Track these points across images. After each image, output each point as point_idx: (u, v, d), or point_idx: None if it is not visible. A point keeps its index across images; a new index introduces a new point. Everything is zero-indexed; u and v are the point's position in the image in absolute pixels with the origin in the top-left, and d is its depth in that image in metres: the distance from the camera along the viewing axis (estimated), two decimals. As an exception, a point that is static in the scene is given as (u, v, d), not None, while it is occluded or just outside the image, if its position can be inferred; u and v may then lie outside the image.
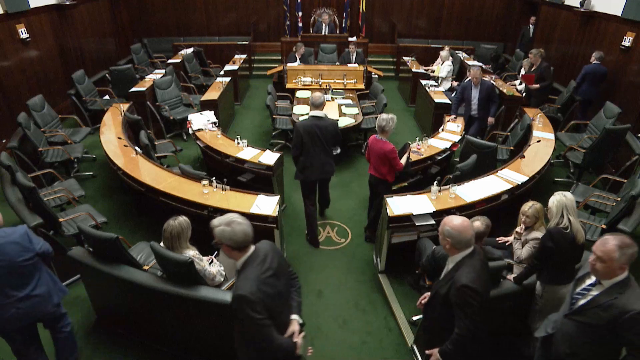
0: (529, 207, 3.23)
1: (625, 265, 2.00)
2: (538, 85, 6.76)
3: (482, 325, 2.19)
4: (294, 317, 2.27)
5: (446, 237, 2.24)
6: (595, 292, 2.10)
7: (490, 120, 6.05)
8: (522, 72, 7.37)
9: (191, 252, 2.96)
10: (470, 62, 8.55)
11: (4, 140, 5.78)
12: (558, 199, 2.74)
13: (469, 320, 2.17)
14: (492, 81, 6.96)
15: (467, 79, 7.29)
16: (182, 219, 2.91)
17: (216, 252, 3.46)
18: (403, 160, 4.17)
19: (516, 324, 3.26)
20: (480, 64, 8.84)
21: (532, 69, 6.95)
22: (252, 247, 2.15)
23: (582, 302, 2.14)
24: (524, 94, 7.00)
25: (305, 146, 4.19)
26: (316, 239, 4.61)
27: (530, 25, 9.42)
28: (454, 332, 2.23)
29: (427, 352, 2.44)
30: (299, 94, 7.38)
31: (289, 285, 2.31)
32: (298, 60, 8.60)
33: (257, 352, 2.14)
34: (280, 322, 2.14)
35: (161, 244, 2.98)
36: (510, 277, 2.99)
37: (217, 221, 2.13)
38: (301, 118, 6.18)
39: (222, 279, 3.17)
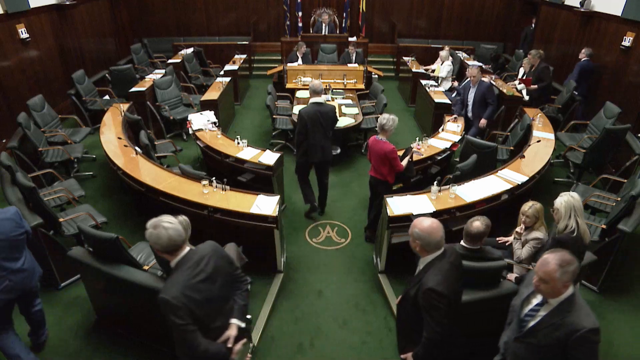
0: (529, 207, 3.23)
1: (569, 282, 1.95)
2: (536, 86, 6.74)
3: (452, 328, 2.16)
4: (234, 321, 2.21)
5: (415, 239, 2.22)
6: (544, 312, 2.05)
7: (482, 122, 5.89)
8: (521, 71, 7.37)
9: None
10: (470, 62, 8.55)
11: (4, 140, 5.78)
12: (566, 200, 2.70)
13: (435, 323, 2.14)
14: (491, 81, 6.97)
15: (468, 79, 7.28)
16: (182, 218, 2.91)
17: None
18: (404, 162, 4.16)
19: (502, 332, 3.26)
20: (480, 64, 8.86)
21: (532, 70, 6.95)
22: (186, 250, 2.12)
23: (532, 323, 2.08)
24: (527, 97, 6.96)
25: (308, 131, 4.47)
26: (323, 205, 5.05)
27: (533, 26, 9.41)
28: (423, 336, 2.20)
29: (401, 356, 2.41)
30: (299, 94, 7.38)
31: (229, 289, 2.25)
32: (300, 59, 8.59)
33: (186, 355, 2.10)
34: (213, 327, 2.11)
35: None
36: (512, 276, 2.97)
37: (148, 223, 2.11)
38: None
39: None
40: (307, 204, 4.96)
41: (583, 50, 6.87)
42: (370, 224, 4.63)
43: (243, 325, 2.24)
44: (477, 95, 5.81)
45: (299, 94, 7.38)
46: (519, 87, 7.32)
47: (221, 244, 3.53)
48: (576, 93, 6.69)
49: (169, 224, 2.08)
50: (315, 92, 4.54)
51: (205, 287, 2.07)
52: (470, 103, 5.91)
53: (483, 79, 5.99)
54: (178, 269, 2.09)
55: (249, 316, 2.91)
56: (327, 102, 4.59)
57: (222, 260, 2.20)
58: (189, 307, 1.97)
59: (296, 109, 6.58)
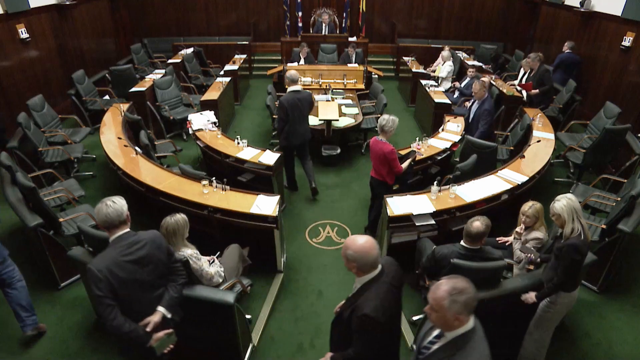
0: (529, 207, 3.23)
1: (462, 315, 1.71)
2: (538, 91, 6.62)
3: (379, 352, 2.07)
4: (160, 309, 2.31)
5: (350, 261, 2.06)
6: (437, 346, 1.85)
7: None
8: (521, 72, 7.37)
9: (188, 251, 2.95)
10: (470, 62, 8.56)
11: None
12: (566, 203, 2.60)
13: (365, 347, 2.06)
14: (492, 81, 6.96)
15: (468, 78, 7.25)
16: (180, 216, 2.91)
17: (218, 253, 3.47)
18: (405, 165, 4.15)
19: (504, 330, 3.23)
20: (480, 63, 8.86)
21: (531, 74, 6.82)
22: (124, 231, 2.28)
23: (426, 355, 1.90)
24: (526, 102, 6.83)
25: (289, 117, 4.87)
26: (312, 182, 5.22)
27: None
28: (347, 353, 2.13)
29: None
30: (299, 94, 7.37)
31: (161, 278, 2.35)
32: (302, 59, 8.59)
33: (104, 327, 2.20)
34: (138, 310, 2.23)
35: None
36: (531, 295, 2.82)
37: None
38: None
39: (221, 280, 3.17)
40: (287, 186, 5.40)
41: (566, 44, 7.34)
42: (370, 225, 4.62)
43: (169, 315, 2.34)
44: (476, 113, 5.43)
45: (299, 94, 7.38)
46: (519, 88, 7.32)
47: (222, 243, 3.58)
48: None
49: (112, 203, 2.28)
50: (292, 81, 4.95)
51: (132, 268, 2.19)
52: (471, 118, 5.60)
53: (488, 95, 5.45)
54: (111, 245, 2.24)
55: (248, 316, 2.91)
56: (305, 89, 5.18)
57: (158, 250, 2.31)
58: (110, 281, 2.11)
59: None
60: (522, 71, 7.47)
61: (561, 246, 2.63)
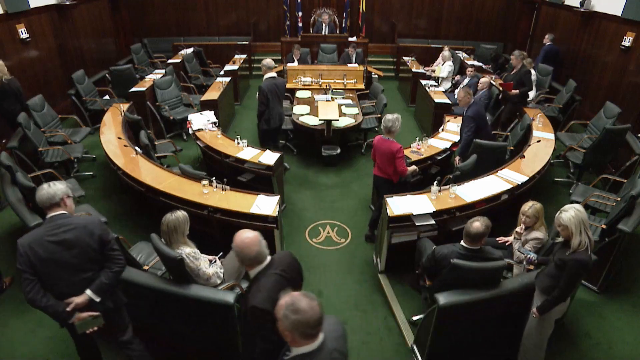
0: (529, 207, 3.23)
1: (291, 334, 1.64)
2: (518, 91, 6.32)
3: (280, 343, 1.98)
4: (87, 291, 2.40)
5: (236, 255, 2.13)
6: (286, 359, 1.80)
7: (456, 159, 4.96)
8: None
9: (187, 250, 2.94)
10: (470, 62, 8.55)
11: (3, 141, 5.78)
12: (574, 215, 2.48)
13: (263, 340, 2.08)
14: (492, 81, 6.95)
15: (467, 77, 7.21)
16: (180, 213, 2.92)
17: (221, 254, 3.46)
18: (411, 169, 4.19)
19: (504, 330, 3.25)
20: (480, 64, 8.86)
21: (512, 72, 6.60)
22: (56, 213, 2.40)
23: None
24: (501, 104, 6.74)
25: (269, 102, 5.27)
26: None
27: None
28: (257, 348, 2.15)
29: None
30: (299, 94, 7.38)
31: (90, 262, 2.42)
32: (296, 61, 8.61)
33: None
34: (61, 289, 2.36)
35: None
36: (534, 310, 2.81)
37: None
38: (301, 118, 6.21)
39: (219, 282, 3.16)
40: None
41: (547, 36, 7.88)
42: (371, 224, 4.62)
43: (97, 299, 2.42)
44: (463, 120, 5.08)
45: (299, 94, 7.38)
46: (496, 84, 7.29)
47: (222, 243, 3.57)
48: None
49: (48, 187, 2.42)
50: (269, 68, 5.38)
51: (53, 248, 2.30)
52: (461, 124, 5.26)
53: (475, 99, 5.08)
54: (43, 225, 2.41)
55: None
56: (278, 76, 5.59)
57: (88, 237, 2.38)
58: (29, 258, 2.26)
59: (296, 109, 6.59)
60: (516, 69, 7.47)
61: (567, 260, 2.54)
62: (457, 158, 4.95)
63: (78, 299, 2.38)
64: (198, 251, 3.05)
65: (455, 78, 8.04)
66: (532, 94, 7.34)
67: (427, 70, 8.55)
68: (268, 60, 5.44)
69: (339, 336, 1.81)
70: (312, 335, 1.66)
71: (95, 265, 2.45)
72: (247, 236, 2.13)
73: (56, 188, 2.42)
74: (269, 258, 2.18)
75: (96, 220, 2.50)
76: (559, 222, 2.56)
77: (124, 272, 2.60)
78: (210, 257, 3.24)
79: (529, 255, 3.03)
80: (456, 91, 7.04)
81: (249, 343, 2.20)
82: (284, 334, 1.68)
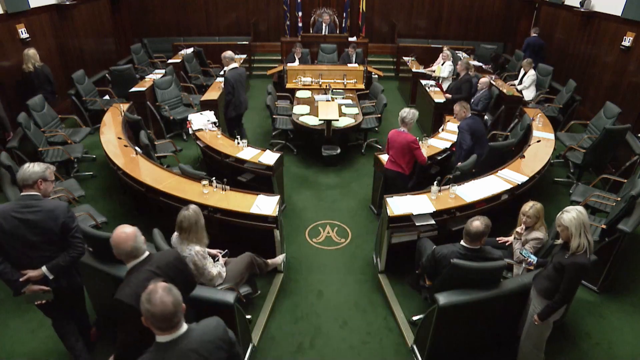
0: (530, 207, 3.22)
1: (146, 321, 1.70)
2: (450, 96, 6.53)
3: (143, 338, 1.95)
4: (43, 268, 2.57)
5: (112, 248, 2.22)
6: None
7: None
8: (521, 73, 7.39)
9: (197, 248, 2.96)
10: (470, 62, 8.54)
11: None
12: (575, 216, 2.47)
13: (124, 333, 2.13)
14: (492, 81, 6.95)
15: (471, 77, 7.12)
16: (194, 206, 2.98)
17: (227, 251, 3.47)
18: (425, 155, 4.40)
19: (504, 330, 3.27)
20: (480, 64, 8.86)
21: (457, 78, 6.75)
22: (29, 193, 2.57)
23: None
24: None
25: (235, 90, 5.74)
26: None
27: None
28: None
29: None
30: (299, 94, 7.38)
31: (50, 244, 2.58)
32: (297, 60, 8.61)
33: None
34: (18, 260, 2.55)
35: (173, 237, 3.01)
36: (535, 318, 2.78)
37: None
38: (301, 118, 6.22)
39: (220, 282, 3.17)
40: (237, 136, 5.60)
41: (532, 29, 8.52)
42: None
43: (50, 276, 2.60)
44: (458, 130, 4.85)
45: (299, 94, 7.38)
46: (519, 87, 7.33)
47: (222, 243, 3.57)
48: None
49: (27, 167, 2.60)
50: (231, 59, 5.87)
51: (16, 224, 2.49)
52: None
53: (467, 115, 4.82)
54: (16, 200, 2.62)
55: (248, 316, 2.91)
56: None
57: (52, 221, 2.55)
58: None
59: (296, 109, 6.59)
60: (522, 71, 7.49)
61: (566, 263, 2.54)
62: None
63: (33, 273, 2.56)
64: (206, 250, 3.06)
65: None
66: (532, 94, 7.36)
67: (426, 70, 8.54)
68: (230, 53, 5.93)
69: (207, 340, 1.82)
70: (161, 328, 1.70)
71: (54, 247, 2.61)
72: (123, 231, 2.20)
73: (32, 171, 2.58)
74: (146, 254, 2.26)
75: (64, 206, 2.64)
76: (560, 222, 2.56)
77: (120, 271, 2.65)
78: (216, 251, 3.25)
79: (529, 259, 3.01)
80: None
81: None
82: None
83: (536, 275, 2.85)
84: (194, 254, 2.91)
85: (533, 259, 3.00)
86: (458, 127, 4.78)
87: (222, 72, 8.14)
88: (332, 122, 5.94)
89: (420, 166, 4.60)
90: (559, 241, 2.70)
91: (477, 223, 2.86)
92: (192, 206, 2.97)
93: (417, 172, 4.78)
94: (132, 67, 7.85)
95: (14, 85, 6.31)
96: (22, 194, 2.59)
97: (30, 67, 6.02)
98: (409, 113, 4.27)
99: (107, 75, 8.22)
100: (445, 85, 8.05)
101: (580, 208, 2.55)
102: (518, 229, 3.35)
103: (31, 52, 6.04)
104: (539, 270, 2.88)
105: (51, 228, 2.55)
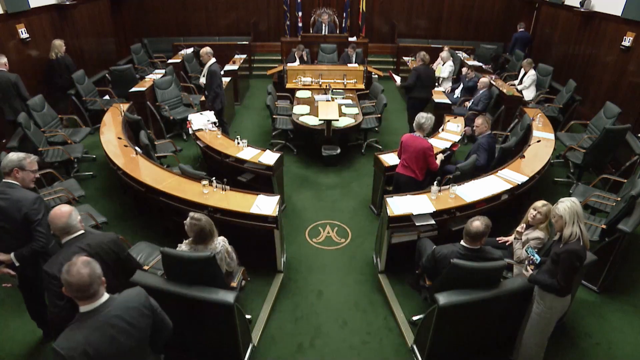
0: (543, 204, 3.18)
1: (66, 291, 1.90)
2: (398, 83, 6.67)
3: (68, 310, 2.17)
4: (11, 255, 2.74)
5: (49, 223, 2.42)
6: None
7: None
8: (521, 73, 7.42)
9: (219, 238, 3.04)
10: (470, 62, 8.56)
11: (3, 141, 5.78)
12: (569, 206, 2.58)
13: (50, 304, 2.27)
14: (492, 81, 6.95)
15: (466, 78, 7.22)
16: (197, 214, 3.00)
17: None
18: (438, 162, 4.32)
19: (504, 330, 3.26)
20: (480, 63, 8.86)
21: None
22: (6, 180, 2.76)
23: None
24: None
25: (220, 85, 6.07)
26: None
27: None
28: None
29: None
30: (299, 94, 7.38)
31: (15, 231, 2.74)
32: (297, 60, 8.60)
33: None
34: None
35: (182, 245, 2.99)
36: (527, 273, 2.84)
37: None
38: (301, 118, 6.22)
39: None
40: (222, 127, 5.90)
41: (519, 24, 9.23)
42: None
43: (16, 264, 2.77)
44: (474, 146, 4.93)
45: (299, 94, 7.38)
46: (519, 87, 7.34)
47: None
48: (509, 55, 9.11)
49: (8, 155, 2.79)
50: (212, 55, 6.28)
51: None
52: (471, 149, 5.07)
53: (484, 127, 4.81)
54: None
55: (248, 316, 2.91)
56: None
57: (16, 211, 2.70)
58: None
59: (296, 109, 6.59)
60: (522, 71, 7.49)
61: (560, 251, 2.59)
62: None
63: (2, 256, 2.74)
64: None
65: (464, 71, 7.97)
66: (532, 94, 7.36)
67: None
68: (208, 49, 6.35)
69: (131, 307, 1.95)
70: (78, 297, 1.85)
71: (23, 235, 2.74)
72: (59, 209, 2.40)
73: (9, 160, 2.77)
74: (80, 232, 2.44)
75: (31, 198, 2.76)
76: (555, 212, 2.66)
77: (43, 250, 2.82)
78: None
79: (533, 257, 2.99)
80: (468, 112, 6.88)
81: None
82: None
83: (538, 272, 2.85)
84: (223, 243, 3.02)
85: (537, 258, 2.99)
86: (479, 142, 4.79)
87: (222, 72, 8.15)
88: (332, 122, 5.94)
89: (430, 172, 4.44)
90: (556, 237, 2.75)
91: (477, 223, 2.86)
92: (196, 214, 2.97)
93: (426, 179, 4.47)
94: (132, 67, 7.85)
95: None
96: (7, 181, 2.76)
97: (53, 56, 6.76)
98: (427, 119, 4.19)
99: (107, 75, 8.22)
100: (445, 86, 8.06)
101: (574, 199, 2.64)
102: (519, 228, 3.34)
103: (57, 42, 6.79)
104: (538, 270, 2.88)
105: (14, 218, 2.70)
